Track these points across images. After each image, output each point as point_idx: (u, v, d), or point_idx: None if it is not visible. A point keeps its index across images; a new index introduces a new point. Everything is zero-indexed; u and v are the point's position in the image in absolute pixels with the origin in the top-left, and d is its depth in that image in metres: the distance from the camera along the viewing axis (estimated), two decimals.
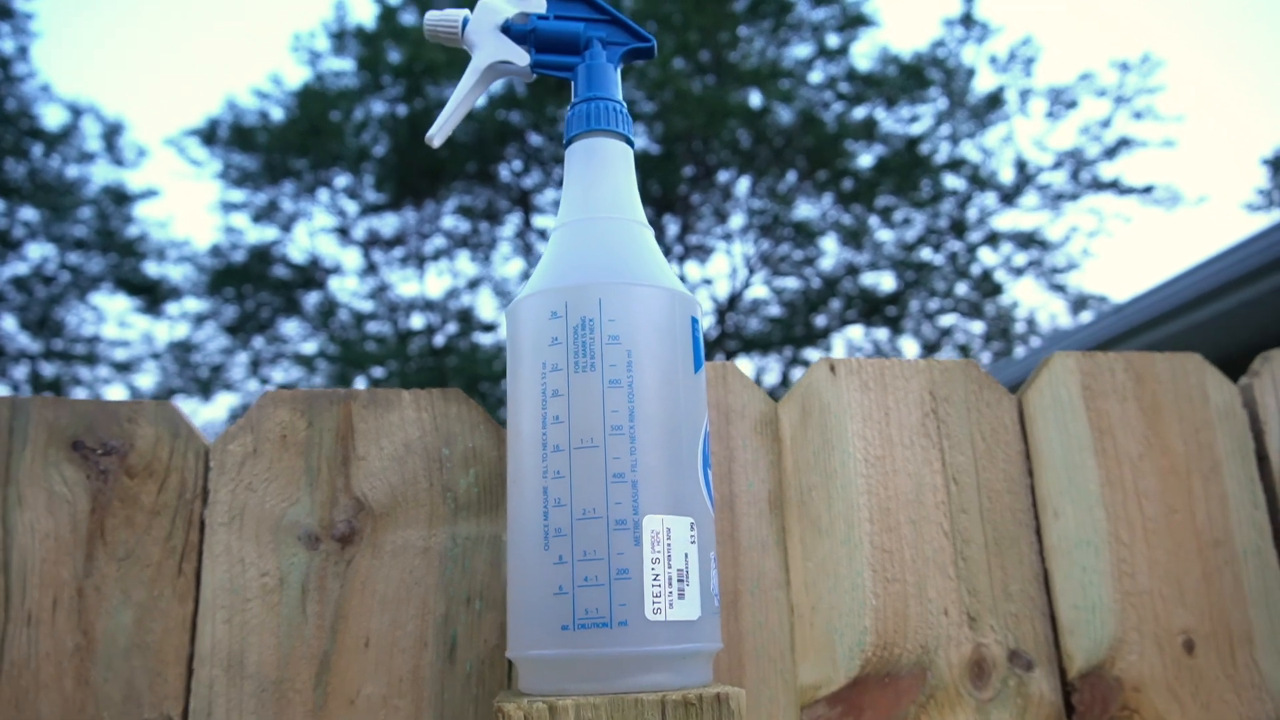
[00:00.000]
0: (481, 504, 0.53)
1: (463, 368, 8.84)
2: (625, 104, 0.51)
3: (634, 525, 0.41)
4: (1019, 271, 8.91)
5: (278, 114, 8.75)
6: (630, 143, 0.50)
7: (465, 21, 0.53)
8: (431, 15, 0.53)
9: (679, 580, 0.42)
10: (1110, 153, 8.46)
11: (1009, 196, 8.77)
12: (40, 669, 0.48)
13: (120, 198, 8.87)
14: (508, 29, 0.52)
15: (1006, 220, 8.94)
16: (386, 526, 0.52)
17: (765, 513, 0.56)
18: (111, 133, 8.85)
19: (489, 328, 9.34)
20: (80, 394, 8.92)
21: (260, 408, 0.53)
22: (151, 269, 8.96)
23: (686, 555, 0.42)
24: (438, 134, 0.52)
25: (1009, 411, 0.60)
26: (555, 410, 0.43)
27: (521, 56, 0.52)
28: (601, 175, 0.49)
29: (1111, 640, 0.57)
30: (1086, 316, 8.78)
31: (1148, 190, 8.42)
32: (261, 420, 0.53)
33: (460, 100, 0.52)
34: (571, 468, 0.42)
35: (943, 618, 0.56)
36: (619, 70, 0.52)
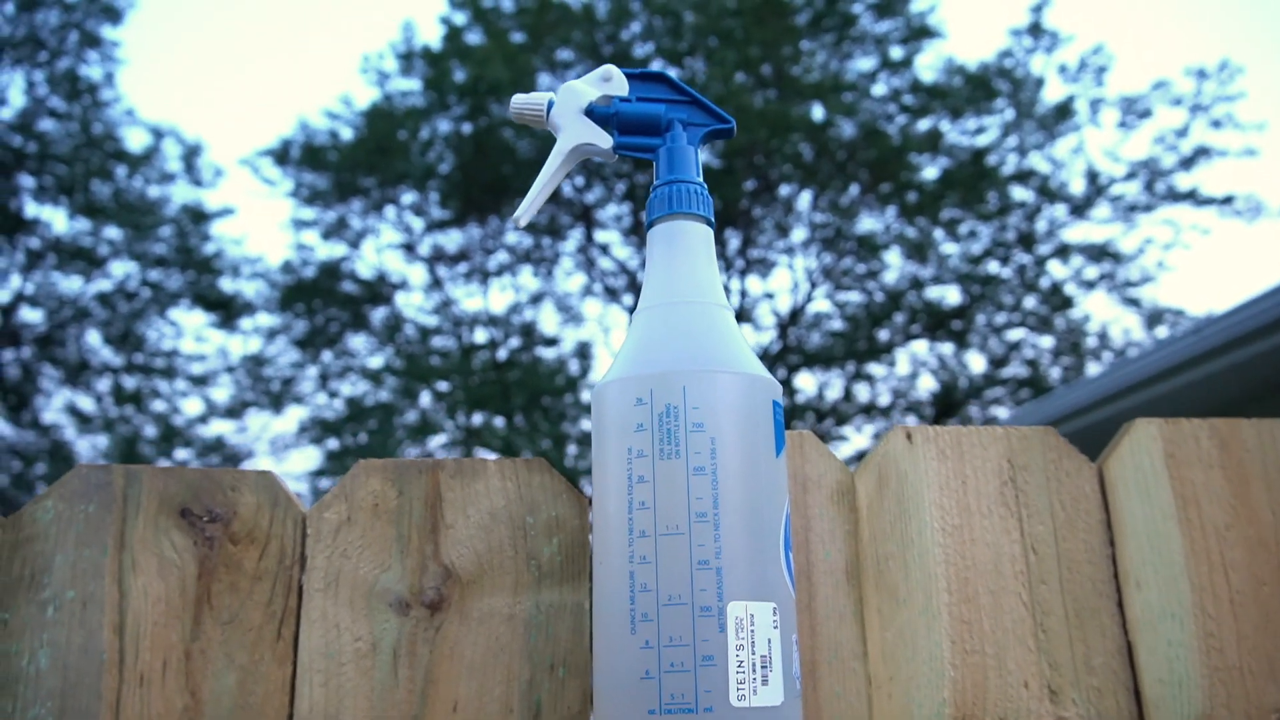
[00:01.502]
0: (564, 572, 0.55)
1: (525, 381, 8.94)
2: (706, 185, 0.52)
3: (719, 612, 0.42)
4: (1090, 285, 8.70)
5: (347, 134, 8.99)
6: (711, 224, 0.52)
7: (550, 105, 0.55)
8: (518, 99, 0.55)
9: (763, 666, 0.42)
10: (1187, 163, 8.22)
11: (1079, 208, 8.57)
12: None
13: (198, 216, 9.19)
14: (591, 111, 0.54)
15: (1077, 233, 8.73)
16: (473, 593, 0.54)
17: (842, 583, 0.56)
18: (191, 154, 9.19)
19: (551, 342, 9.43)
20: (159, 406, 9.25)
21: (353, 477, 0.56)
22: (226, 285, 9.26)
23: (770, 640, 0.43)
24: (524, 214, 0.54)
25: (1089, 480, 0.60)
26: (641, 496, 0.44)
27: (605, 139, 0.54)
28: (683, 258, 0.50)
29: (1199, 716, 0.56)
30: (1162, 331, 8.53)
31: (1227, 201, 8.16)
32: (355, 489, 0.55)
33: (546, 181, 0.54)
34: (657, 554, 0.43)
35: (1023, 690, 0.55)
36: (699, 151, 0.53)
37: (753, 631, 0.42)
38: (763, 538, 0.44)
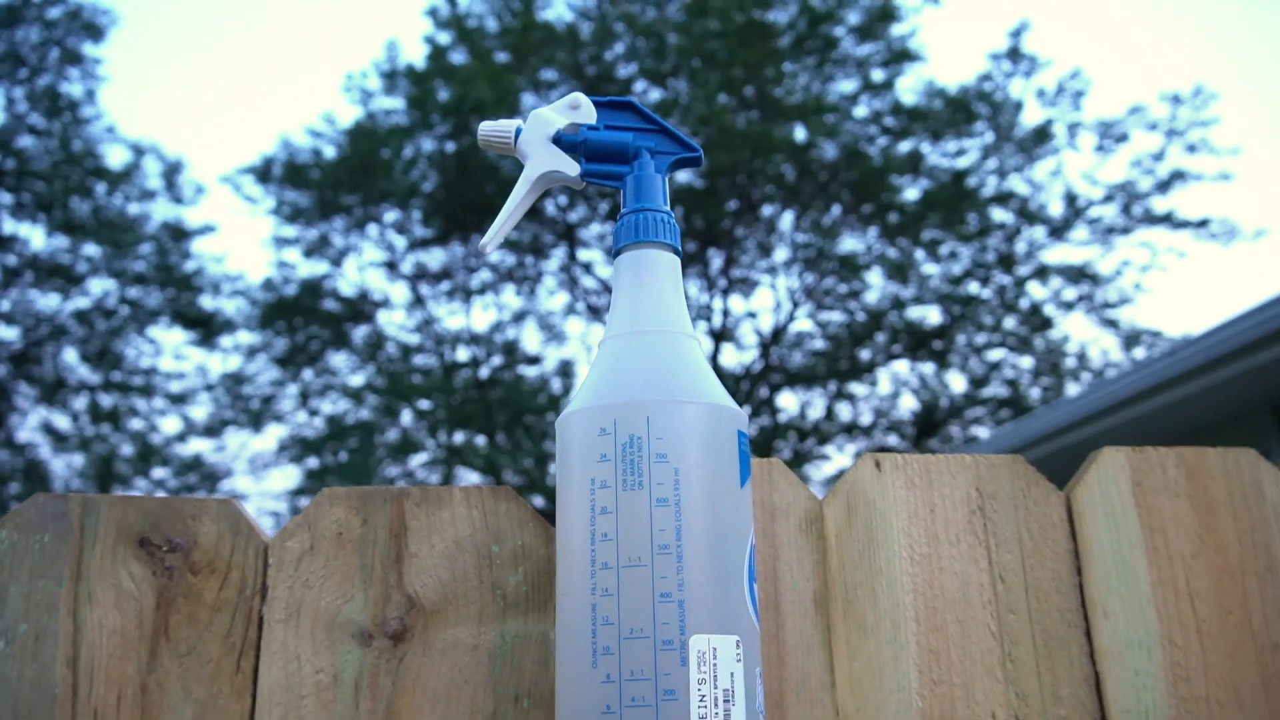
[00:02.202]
0: (530, 601, 0.54)
1: (507, 400, 8.92)
2: (673, 213, 0.52)
3: (680, 645, 0.42)
4: (1069, 306, 8.78)
5: (330, 152, 8.98)
6: (678, 253, 0.52)
7: (518, 132, 0.55)
8: (485, 126, 0.55)
9: (725, 700, 0.42)
10: (1163, 186, 8.33)
11: (1058, 230, 8.66)
12: None
13: (178, 234, 9.14)
14: (559, 139, 0.54)
15: (1056, 254, 8.82)
16: (437, 624, 0.53)
17: (810, 612, 0.56)
18: (171, 171, 9.15)
19: (534, 360, 9.41)
20: (136, 425, 9.16)
21: (317, 505, 0.55)
22: (207, 303, 9.20)
23: (732, 674, 0.43)
24: (490, 242, 0.54)
25: (1057, 508, 0.60)
26: (604, 527, 0.43)
27: (572, 166, 0.54)
28: (649, 287, 0.50)
29: None
30: (1139, 352, 8.61)
31: (1203, 224, 8.27)
32: (318, 518, 0.55)
33: (513, 209, 0.54)
34: (619, 586, 0.42)
35: None
36: (667, 179, 0.53)
37: (715, 665, 0.42)
38: (726, 570, 0.44)
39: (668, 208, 0.52)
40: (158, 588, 0.52)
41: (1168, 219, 8.36)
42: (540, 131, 0.54)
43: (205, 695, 0.51)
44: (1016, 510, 0.59)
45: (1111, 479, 0.60)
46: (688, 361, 0.48)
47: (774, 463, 0.58)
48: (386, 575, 0.54)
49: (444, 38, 8.96)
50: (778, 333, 9.01)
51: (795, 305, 8.98)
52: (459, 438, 9.23)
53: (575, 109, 0.55)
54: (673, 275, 0.51)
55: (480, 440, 9.10)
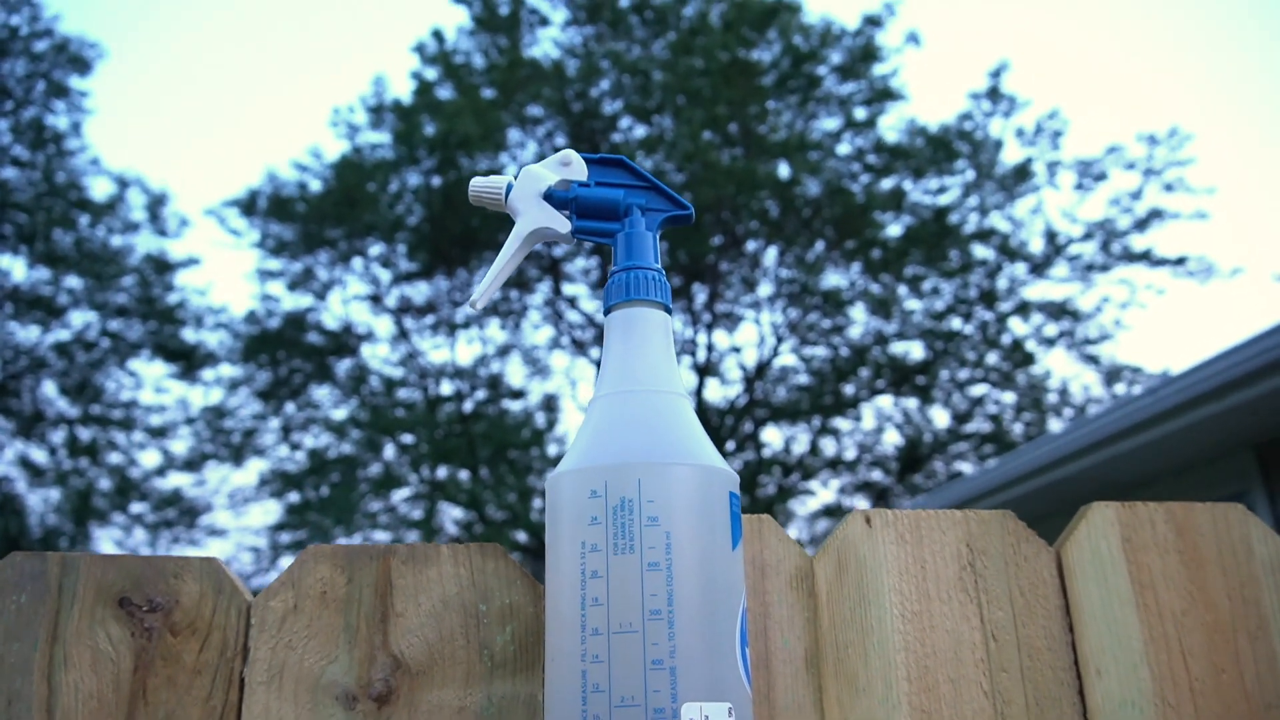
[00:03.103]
0: (518, 662, 0.54)
1: (491, 434, 8.87)
2: (664, 271, 0.52)
3: (672, 714, 0.41)
4: (1050, 342, 8.85)
5: (315, 185, 8.99)
6: (669, 311, 0.51)
7: (509, 188, 0.55)
8: (477, 181, 0.55)
9: None
10: (1141, 224, 8.45)
11: (1039, 267, 8.75)
12: None
13: (162, 266, 9.10)
14: (550, 196, 0.54)
15: (1037, 291, 8.90)
16: (423, 685, 0.52)
17: (801, 671, 0.55)
18: (156, 203, 9.13)
19: (518, 394, 9.38)
20: (115, 458, 9.04)
21: (301, 563, 0.54)
22: (189, 335, 9.14)
23: None
24: (481, 298, 0.53)
25: (1047, 565, 0.59)
26: (594, 592, 0.43)
27: (563, 224, 0.54)
28: (640, 346, 0.50)
29: None
30: (1120, 388, 8.67)
31: (1180, 262, 8.38)
32: (303, 576, 0.54)
33: (503, 265, 0.54)
34: (610, 653, 0.42)
35: None
36: (658, 237, 0.53)
37: None
38: (719, 635, 0.43)
39: (659, 265, 0.52)
40: (136, 649, 0.51)
41: (1146, 256, 8.47)
42: (531, 188, 0.54)
43: None
44: (1007, 566, 0.59)
45: (1101, 535, 0.60)
46: (679, 422, 0.47)
47: (764, 519, 0.58)
48: (372, 635, 0.53)
49: (431, 73, 9.03)
50: (762, 368, 9.04)
51: (779, 340, 9.02)
52: (442, 472, 9.17)
53: (566, 165, 0.55)
54: (664, 333, 0.51)
55: (464, 475, 9.04)
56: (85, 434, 9.02)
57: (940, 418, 9.30)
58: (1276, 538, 0.62)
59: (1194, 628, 0.59)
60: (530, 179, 0.55)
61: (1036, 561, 0.59)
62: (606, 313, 0.51)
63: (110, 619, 0.51)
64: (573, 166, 0.55)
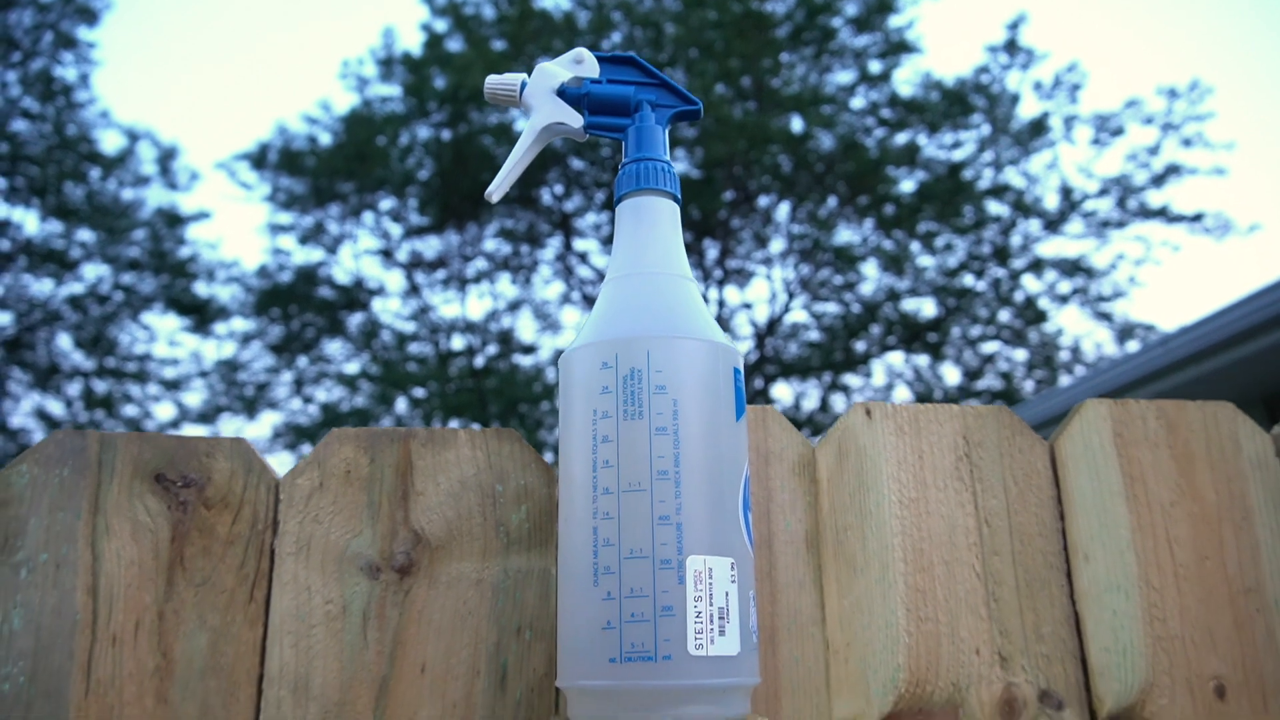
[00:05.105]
0: (532, 539, 0.56)
1: (502, 389, 8.93)
2: (672, 163, 0.54)
3: (678, 565, 0.44)
4: (1063, 299, 8.81)
5: (326, 139, 8.96)
6: (677, 200, 0.53)
7: (523, 85, 0.57)
8: (492, 79, 0.57)
9: (720, 617, 0.44)
10: (1158, 180, 8.36)
11: (1053, 223, 8.69)
12: (124, 688, 0.51)
13: (173, 220, 9.12)
14: (563, 92, 0.56)
15: (1051, 247, 8.85)
16: (443, 558, 0.55)
17: (802, 552, 0.58)
18: (166, 157, 9.12)
19: (529, 349, 9.43)
20: (130, 411, 9.15)
21: (326, 445, 0.57)
22: (201, 289, 9.19)
23: (727, 594, 0.45)
24: (496, 190, 0.55)
25: (1041, 457, 0.62)
26: (605, 455, 0.45)
27: (575, 118, 0.55)
28: (650, 232, 0.52)
29: (1142, 684, 0.58)
30: (1133, 346, 8.65)
31: (1197, 218, 8.30)
32: (328, 456, 0.57)
33: (519, 159, 0.56)
34: (620, 510, 0.44)
35: (974, 657, 0.57)
36: (667, 131, 0.55)
37: (710, 584, 0.44)
38: (722, 496, 0.46)
39: (668, 158, 0.54)
40: (173, 521, 0.54)
41: (1162, 213, 8.39)
42: (544, 84, 0.56)
43: (220, 623, 0.53)
44: (1002, 458, 0.61)
45: (1094, 429, 0.62)
46: (686, 301, 0.50)
47: (768, 409, 0.60)
48: (393, 512, 0.56)
49: (440, 25, 8.95)
50: (773, 324, 9.04)
51: (790, 296, 9.01)
52: (454, 425, 9.24)
53: (579, 63, 0.57)
54: (672, 221, 0.53)
55: (475, 428, 9.11)
56: (100, 386, 9.12)
57: (951, 375, 9.31)
58: (1264, 434, 0.64)
59: (1181, 518, 0.61)
60: (544, 76, 0.56)
61: (1031, 454, 0.62)
62: (618, 202, 0.53)
63: (148, 493, 0.54)
64: (585, 64, 0.56)
